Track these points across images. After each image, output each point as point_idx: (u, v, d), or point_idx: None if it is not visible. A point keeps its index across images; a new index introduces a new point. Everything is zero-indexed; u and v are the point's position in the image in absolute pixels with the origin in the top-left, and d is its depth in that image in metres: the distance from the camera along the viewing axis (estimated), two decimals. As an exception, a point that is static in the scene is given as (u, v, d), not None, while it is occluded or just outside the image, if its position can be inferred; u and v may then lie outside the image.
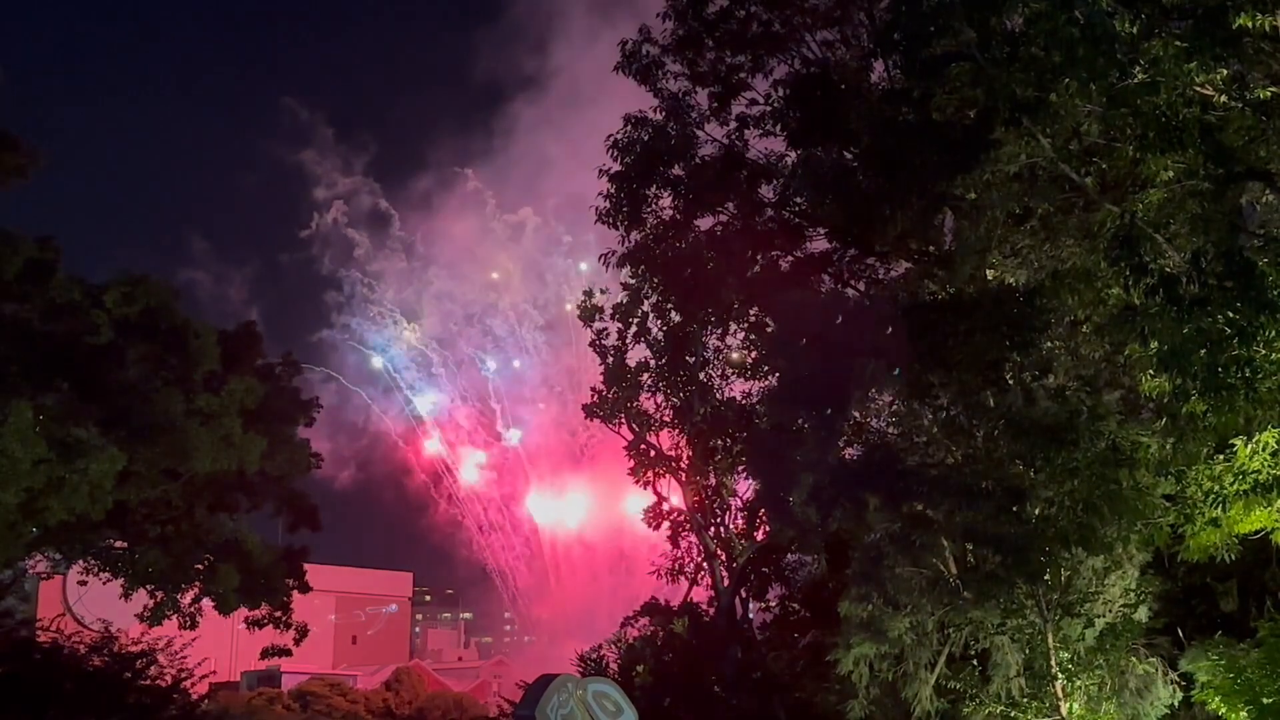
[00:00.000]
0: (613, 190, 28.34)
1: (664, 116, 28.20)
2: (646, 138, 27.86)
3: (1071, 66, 14.24)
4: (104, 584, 30.11)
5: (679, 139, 28.07)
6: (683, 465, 30.49)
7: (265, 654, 34.12)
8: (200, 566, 29.83)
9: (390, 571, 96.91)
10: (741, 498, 29.86)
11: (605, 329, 31.58)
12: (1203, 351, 13.30)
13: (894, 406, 18.99)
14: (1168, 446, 16.38)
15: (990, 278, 18.57)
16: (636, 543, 74.35)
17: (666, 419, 30.90)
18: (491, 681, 71.50)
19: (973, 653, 18.14)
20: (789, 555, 28.93)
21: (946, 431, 17.78)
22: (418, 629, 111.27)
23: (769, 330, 27.45)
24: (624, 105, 28.52)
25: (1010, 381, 17.34)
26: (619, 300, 31.12)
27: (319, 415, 35.10)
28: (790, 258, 28.12)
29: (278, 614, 31.70)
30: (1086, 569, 17.01)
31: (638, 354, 31.74)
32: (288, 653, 33.30)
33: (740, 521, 29.92)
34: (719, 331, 30.20)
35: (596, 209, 28.64)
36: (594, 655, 30.35)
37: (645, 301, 30.44)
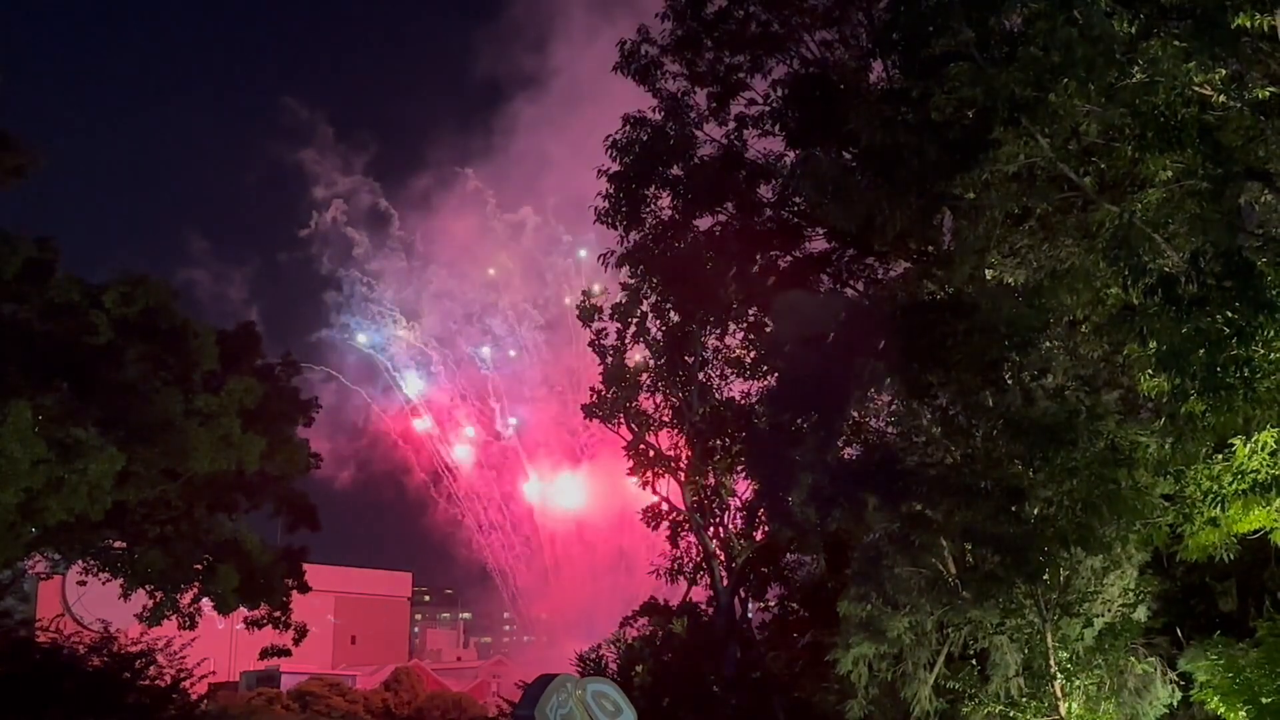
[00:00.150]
0: (612, 190, 28.36)
1: (663, 117, 28.21)
2: (645, 138, 27.87)
3: (1070, 66, 14.26)
4: (103, 584, 30.09)
5: (678, 139, 28.09)
6: (682, 465, 30.48)
7: (264, 654, 34.09)
8: (199, 567, 29.80)
9: (389, 571, 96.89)
10: (740, 498, 29.84)
11: (604, 329, 31.59)
12: (1201, 351, 13.32)
13: (893, 406, 19.00)
14: (1166, 446, 16.38)
15: (989, 277, 18.56)
16: (636, 542, 74.53)
17: (665, 419, 30.90)
18: (491, 681, 71.46)
19: (972, 652, 18.14)
20: (788, 555, 28.92)
21: (945, 431, 17.78)
22: (417, 629, 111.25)
23: (768, 330, 27.49)
24: (624, 104, 28.56)
25: (1009, 381, 17.34)
26: (618, 300, 31.13)
27: (318, 415, 35.14)
28: (789, 258, 28.15)
29: (277, 614, 31.68)
30: (1085, 569, 17.02)
31: (637, 354, 31.79)
32: (287, 653, 33.28)
33: (739, 521, 29.91)
34: (718, 331, 30.21)
35: (595, 209, 28.67)
36: (593, 655, 30.35)
37: (644, 301, 30.45)
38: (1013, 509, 16.48)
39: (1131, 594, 17.42)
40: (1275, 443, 15.01)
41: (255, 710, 49.76)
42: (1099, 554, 16.68)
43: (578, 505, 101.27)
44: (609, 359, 31.25)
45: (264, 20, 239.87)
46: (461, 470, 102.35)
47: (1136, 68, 14.14)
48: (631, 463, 30.82)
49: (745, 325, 29.70)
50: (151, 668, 29.45)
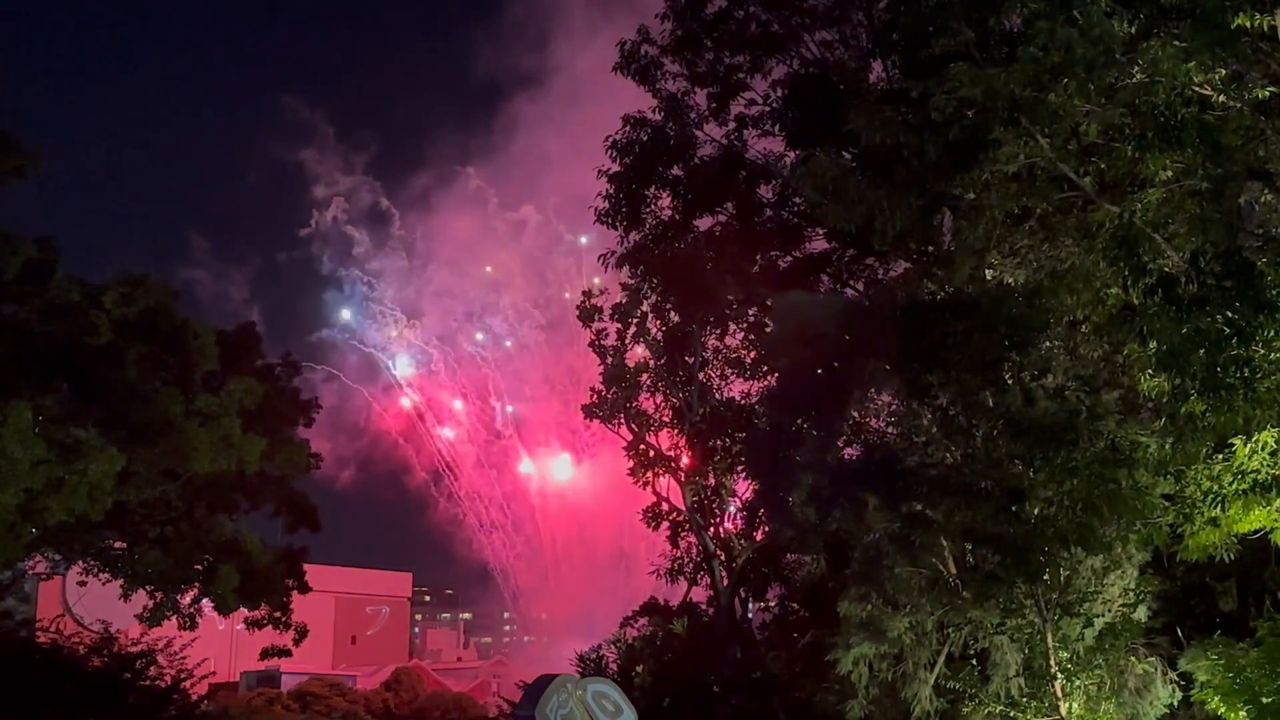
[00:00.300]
0: (612, 191, 28.39)
1: (663, 117, 28.24)
2: (645, 138, 27.91)
3: (1070, 66, 14.26)
4: (103, 585, 30.10)
5: (678, 139, 28.12)
6: (682, 465, 30.50)
7: (265, 654, 34.11)
8: (200, 567, 29.79)
9: (390, 572, 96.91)
10: (741, 498, 29.85)
11: (604, 329, 31.60)
12: (1201, 351, 13.32)
13: (893, 406, 18.99)
14: (1167, 446, 16.37)
15: (989, 277, 18.57)
16: (637, 542, 74.56)
17: (665, 419, 30.94)
18: (491, 682, 71.49)
19: (972, 652, 18.13)
20: (788, 555, 28.91)
21: (945, 431, 17.77)
22: (417, 629, 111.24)
23: (768, 330, 27.52)
24: (625, 102, 28.60)
25: (1009, 381, 17.33)
26: (618, 301, 31.14)
27: (319, 415, 35.19)
28: (789, 258, 28.17)
29: (277, 614, 31.69)
30: (1086, 569, 17.01)
31: (637, 355, 31.80)
32: (287, 653, 33.29)
33: (739, 521, 29.92)
34: (718, 332, 30.26)
35: (596, 210, 28.70)
36: (593, 655, 30.35)
37: (644, 302, 30.49)
38: (1013, 509, 16.46)
39: (1132, 594, 17.41)
40: (1275, 443, 15.00)
41: (255, 710, 49.73)
42: (1099, 554, 16.67)
43: (572, 482, 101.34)
44: (609, 359, 31.27)
45: (264, 19, 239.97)
46: (456, 450, 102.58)
47: (1136, 68, 14.14)
48: (632, 463, 30.83)
49: (745, 325, 29.73)
50: (152, 668, 29.46)
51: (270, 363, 33.05)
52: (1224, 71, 14.06)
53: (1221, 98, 14.24)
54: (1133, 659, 17.47)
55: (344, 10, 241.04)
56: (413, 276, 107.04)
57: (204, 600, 30.56)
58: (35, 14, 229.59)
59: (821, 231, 27.02)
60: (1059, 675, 16.85)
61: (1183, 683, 17.49)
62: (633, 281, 30.02)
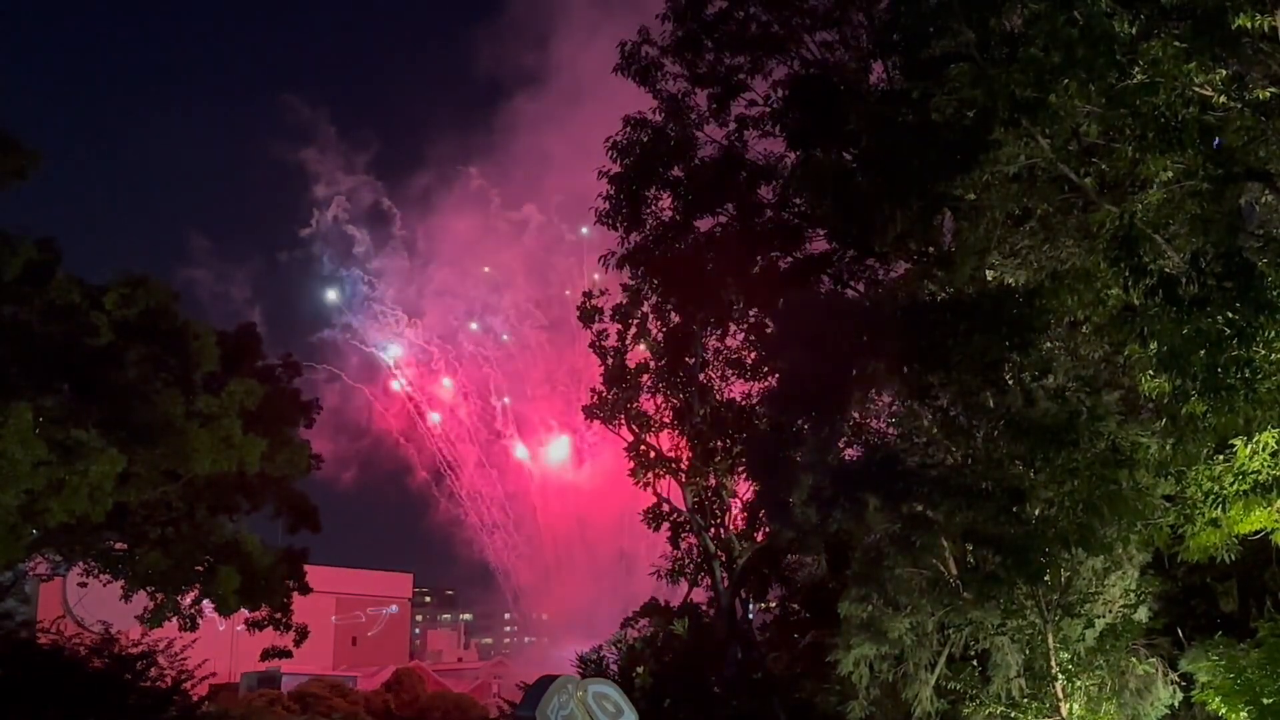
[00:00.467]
0: (612, 192, 28.39)
1: (663, 118, 28.25)
2: (646, 139, 27.92)
3: (1071, 67, 14.26)
4: (104, 586, 30.09)
5: (678, 140, 28.12)
6: (682, 466, 30.48)
7: (265, 655, 34.09)
8: (200, 568, 29.78)
9: (390, 572, 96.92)
10: (741, 499, 29.85)
11: (604, 330, 31.59)
12: (1202, 352, 13.32)
13: (893, 407, 19.01)
14: (1167, 447, 16.38)
15: (990, 278, 18.57)
16: (637, 542, 74.57)
17: (666, 420, 30.91)
18: (492, 683, 71.43)
19: (973, 653, 18.14)
20: (789, 556, 28.92)
21: (946, 432, 17.78)
22: (418, 630, 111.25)
23: (768, 331, 27.48)
24: (626, 100, 28.62)
25: (1010, 382, 17.33)
26: (619, 302, 31.13)
27: (320, 415, 35.18)
28: (790, 259, 28.14)
29: (278, 615, 31.67)
30: (1086, 569, 17.01)
31: (637, 356, 31.79)
32: (288, 654, 33.27)
33: (740, 522, 29.91)
34: (718, 332, 30.23)
35: (596, 210, 28.71)
36: (594, 656, 30.37)
37: (645, 303, 30.48)
38: (1014, 510, 16.47)
39: (1133, 595, 17.42)
40: (1276, 443, 15.01)
41: (256, 711, 49.67)
42: (1100, 555, 16.67)
43: (570, 471, 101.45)
44: (609, 360, 31.26)
45: (265, 18, 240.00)
46: (449, 431, 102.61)
47: (1137, 68, 14.13)
48: (632, 464, 30.83)
49: (746, 326, 29.70)
50: (152, 669, 29.42)
51: (271, 363, 33.07)
52: (1225, 72, 14.06)
53: (1222, 98, 14.23)
54: (1134, 660, 17.47)
55: (345, 9, 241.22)
56: (414, 276, 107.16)
57: (204, 601, 30.55)
58: (35, 14, 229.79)
59: (822, 232, 27.03)
60: (1060, 676, 16.84)
61: (1184, 683, 17.50)
62: (633, 282, 30.02)
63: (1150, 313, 13.84)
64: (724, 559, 29.71)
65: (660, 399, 30.95)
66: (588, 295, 32.69)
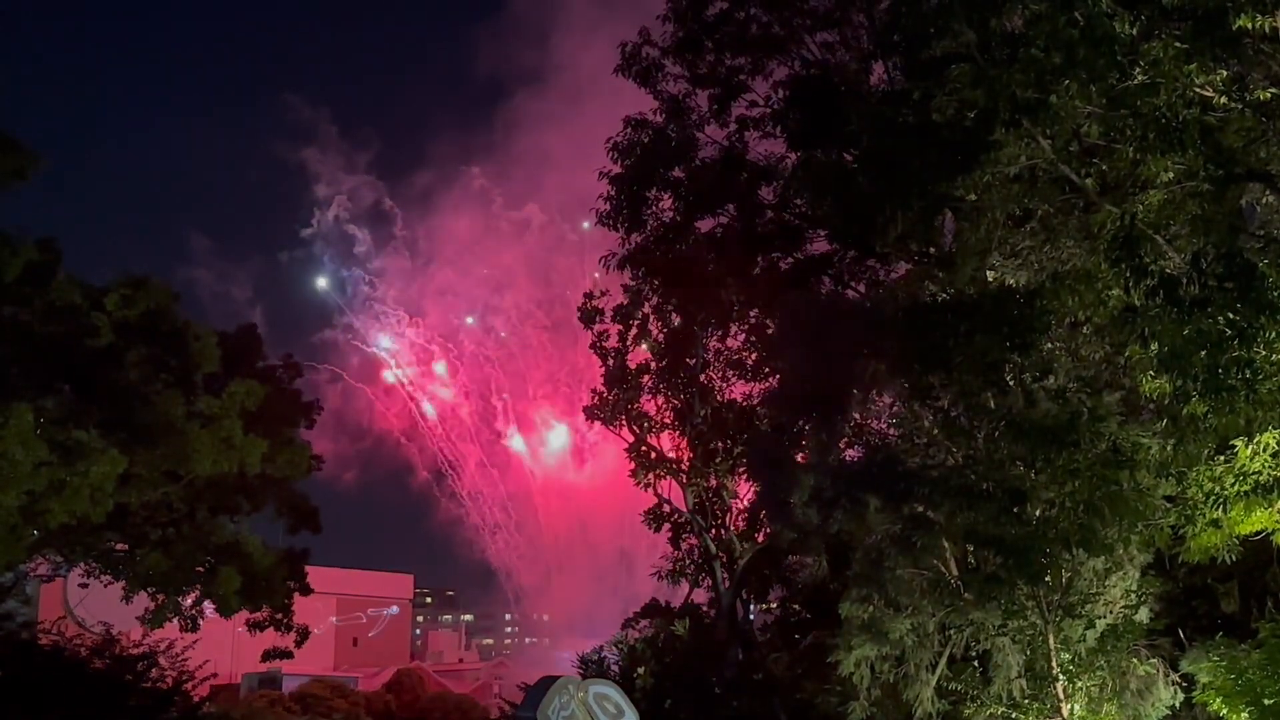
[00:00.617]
0: (613, 193, 28.37)
1: (664, 119, 28.24)
2: (646, 140, 27.90)
3: (1071, 68, 14.24)
4: (105, 587, 30.11)
5: (679, 141, 28.11)
6: (683, 467, 30.49)
7: (266, 656, 34.15)
8: (201, 569, 29.79)
9: (391, 573, 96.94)
10: (742, 499, 29.87)
11: (605, 331, 31.60)
12: (1203, 353, 13.31)
13: (894, 408, 19.01)
14: (1168, 448, 16.37)
15: (990, 279, 18.56)
16: (638, 543, 74.58)
17: (667, 421, 30.93)
18: (493, 683, 71.39)
19: (974, 654, 18.15)
20: (790, 557, 28.93)
21: (947, 433, 17.78)
22: (419, 631, 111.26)
23: (769, 332, 27.50)
24: (627, 99, 28.61)
25: (1011, 383, 17.33)
26: (619, 302, 31.14)
27: (321, 416, 35.21)
28: (790, 259, 28.15)
29: (279, 616, 31.70)
30: (1087, 570, 17.01)
31: (638, 356, 31.81)
32: (289, 655, 33.29)
33: (741, 523, 29.93)
34: (719, 333, 30.25)
35: (597, 211, 28.71)
36: (595, 657, 30.38)
37: (645, 303, 30.49)
38: (1015, 510, 16.47)
39: (1134, 595, 17.42)
40: (1277, 444, 14.99)
41: (257, 712, 49.68)
42: (1101, 555, 16.67)
43: (568, 459, 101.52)
44: (610, 361, 31.27)
45: (266, 17, 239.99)
46: (447, 419, 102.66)
47: (1138, 69, 14.11)
48: (633, 465, 30.84)
49: (746, 327, 29.72)
50: (153, 670, 29.42)
51: (272, 364, 33.09)
52: (1225, 73, 14.04)
53: (1223, 99, 14.21)
54: (1135, 660, 17.47)
55: (345, 8, 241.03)
56: (415, 276, 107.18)
57: (205, 602, 30.57)
58: (35, 14, 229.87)
59: (823, 233, 27.03)
60: (1061, 677, 16.84)
61: (1185, 684, 17.50)
62: (634, 283, 30.03)
63: (1151, 313, 13.83)
64: (725, 560, 29.73)
65: (661, 400, 30.97)
66: (588, 296, 32.72)
